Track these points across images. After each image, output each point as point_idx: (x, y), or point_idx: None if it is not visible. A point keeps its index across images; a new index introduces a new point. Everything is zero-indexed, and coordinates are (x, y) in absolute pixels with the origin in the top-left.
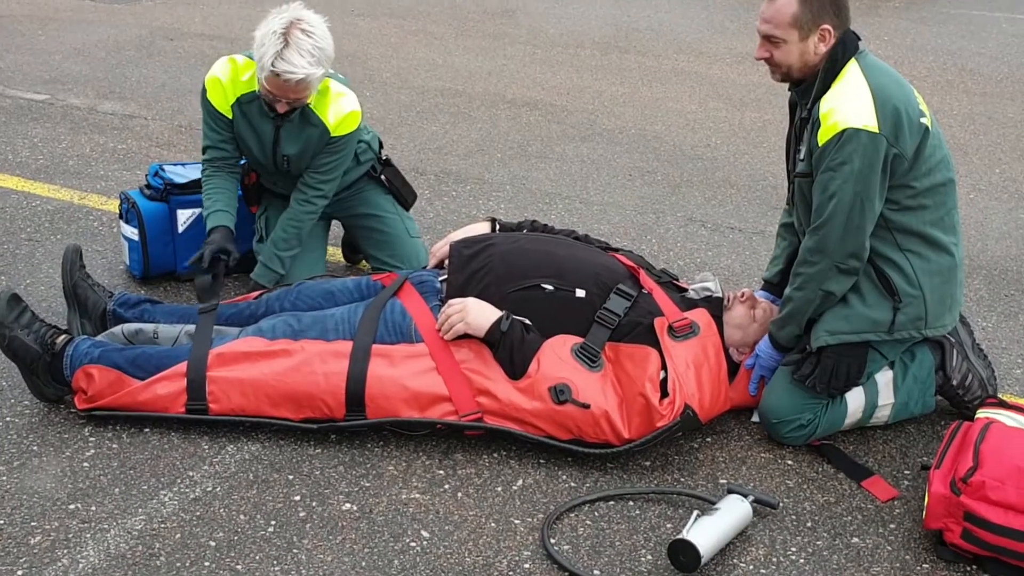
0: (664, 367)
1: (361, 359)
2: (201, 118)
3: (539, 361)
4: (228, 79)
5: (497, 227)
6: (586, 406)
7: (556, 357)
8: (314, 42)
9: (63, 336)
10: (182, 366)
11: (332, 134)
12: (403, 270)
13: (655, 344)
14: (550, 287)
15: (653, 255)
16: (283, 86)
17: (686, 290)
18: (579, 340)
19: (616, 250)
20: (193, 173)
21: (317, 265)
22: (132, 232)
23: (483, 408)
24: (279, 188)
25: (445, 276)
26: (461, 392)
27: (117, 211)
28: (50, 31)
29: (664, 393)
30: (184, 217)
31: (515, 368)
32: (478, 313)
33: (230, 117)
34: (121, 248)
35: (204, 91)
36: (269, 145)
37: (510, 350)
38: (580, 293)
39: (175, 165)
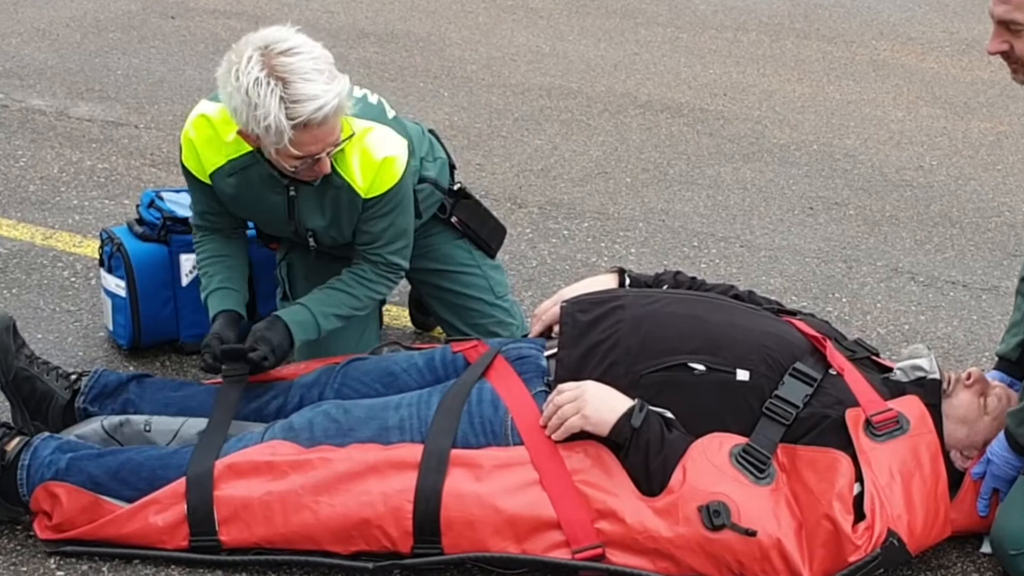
0: (859, 478)
1: (435, 470)
2: None
3: (685, 470)
4: (203, 142)
5: (627, 281)
6: (751, 533)
7: (709, 464)
8: (305, 55)
9: (16, 440)
10: (181, 483)
11: (365, 196)
12: (493, 340)
13: (847, 446)
14: (701, 367)
15: (843, 320)
16: (322, 132)
17: (891, 370)
18: (741, 441)
19: (792, 314)
20: None
21: (366, 337)
22: (118, 285)
23: (606, 538)
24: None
25: (554, 350)
26: (575, 515)
27: (96, 256)
28: (4, 5)
29: (859, 515)
30: (191, 264)
31: (651, 480)
32: (600, 402)
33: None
34: (102, 307)
35: (180, 149)
36: (282, 218)
37: (644, 454)
38: (742, 375)
39: (178, 192)
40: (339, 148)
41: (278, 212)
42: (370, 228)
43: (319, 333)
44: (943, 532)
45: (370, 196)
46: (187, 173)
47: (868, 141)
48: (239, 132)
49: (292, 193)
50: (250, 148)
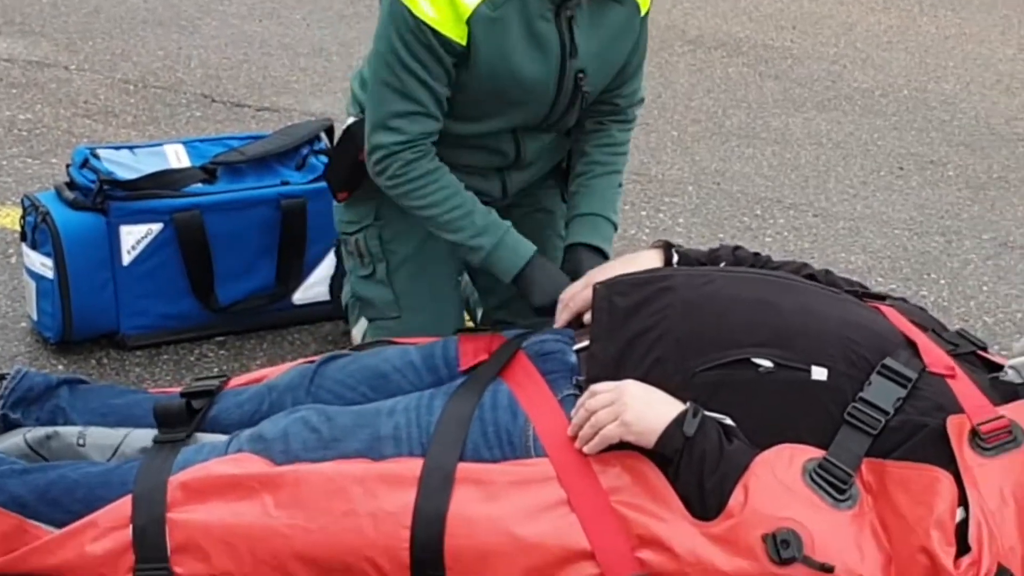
0: (963, 502)
1: (439, 488)
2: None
3: (747, 489)
4: None
5: (674, 259)
6: (828, 568)
7: (777, 483)
8: None
9: None
10: (124, 503)
11: (643, 12)
12: (510, 331)
13: (948, 462)
14: (767, 362)
15: (942, 306)
16: None
17: (1001, 368)
18: (818, 454)
19: (880, 299)
20: (148, 163)
21: (448, 316)
22: (43, 265)
23: (650, 570)
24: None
25: (586, 343)
26: (612, 543)
27: (17, 228)
28: None
29: (963, 547)
30: (134, 239)
31: (706, 501)
32: (643, 407)
33: (464, 45)
34: (24, 291)
35: (407, 11)
36: (555, 65)
37: (699, 470)
38: (819, 373)
39: (118, 149)
40: None
41: (552, 52)
42: (635, 59)
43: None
44: None
45: (645, 11)
46: (430, 42)
47: (971, 85)
48: None
49: (570, 15)
50: None
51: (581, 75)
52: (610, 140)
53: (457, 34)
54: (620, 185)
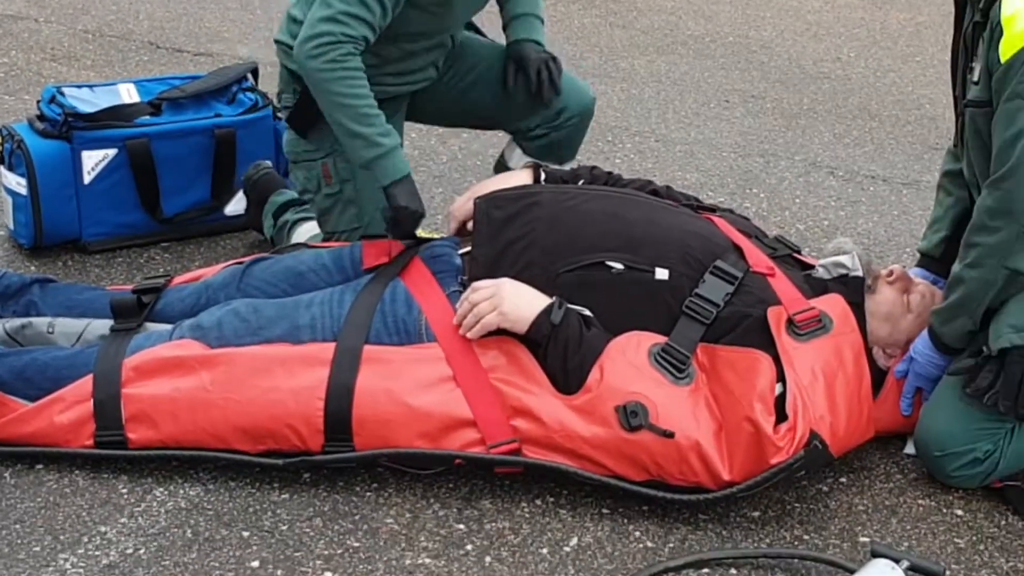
0: (781, 378)
1: (347, 367)
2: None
3: (602, 369)
4: None
5: (542, 177)
6: (669, 434)
7: (627, 364)
8: None
9: None
10: (87, 381)
11: None
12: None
13: (768, 346)
14: (619, 265)
15: (762, 216)
16: None
17: (812, 267)
18: (660, 340)
19: (711, 210)
20: (105, 99)
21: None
22: (18, 183)
23: (521, 435)
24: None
25: (469, 248)
26: (490, 412)
27: None
28: None
29: (781, 416)
30: (93, 161)
31: (568, 378)
32: (516, 300)
33: None
34: (2, 206)
35: None
36: None
37: (562, 352)
38: (661, 274)
39: (79, 87)
40: None
41: None
42: None
43: None
44: (866, 433)
45: None
46: None
47: (785, 32)
48: None
49: None
50: None
51: None
52: None
53: None
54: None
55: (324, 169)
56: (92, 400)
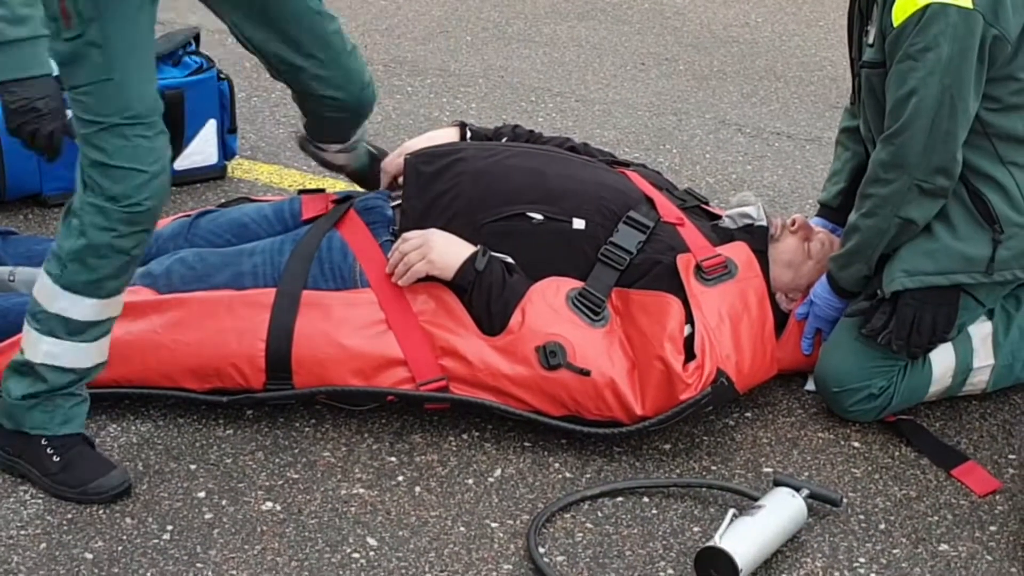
0: (690, 320)
1: (287, 310)
2: None
3: (524, 312)
4: None
5: (468, 135)
6: (586, 372)
7: (547, 307)
8: None
9: None
10: None
11: None
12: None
13: (678, 290)
14: (539, 216)
15: (674, 170)
16: None
17: (719, 217)
18: (578, 285)
19: (626, 165)
20: None
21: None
22: None
23: (449, 374)
24: None
25: (399, 201)
26: (419, 353)
27: None
28: None
29: (690, 355)
30: None
31: (492, 321)
32: (443, 249)
33: None
34: None
35: None
36: None
37: (486, 297)
38: (578, 224)
39: None
40: None
41: None
42: None
43: None
44: (770, 371)
45: None
46: None
47: (696, 0)
48: None
49: None
50: None
51: None
52: None
53: None
54: None
55: (61, 7)
56: None
